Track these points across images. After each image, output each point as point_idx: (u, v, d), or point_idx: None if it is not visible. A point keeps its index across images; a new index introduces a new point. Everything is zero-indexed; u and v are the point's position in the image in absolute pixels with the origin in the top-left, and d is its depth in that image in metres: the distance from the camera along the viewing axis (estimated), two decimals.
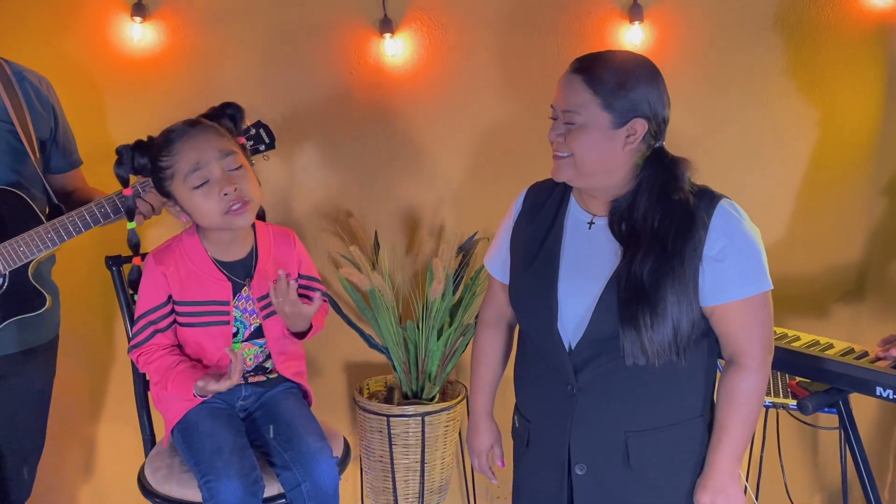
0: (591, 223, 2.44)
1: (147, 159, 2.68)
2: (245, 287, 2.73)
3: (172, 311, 2.75)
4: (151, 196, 2.93)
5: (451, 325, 3.46)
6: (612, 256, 2.36)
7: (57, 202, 3.06)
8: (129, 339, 2.81)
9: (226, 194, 2.57)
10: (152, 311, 2.73)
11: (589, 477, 2.39)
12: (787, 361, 2.75)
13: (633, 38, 3.54)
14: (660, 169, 2.35)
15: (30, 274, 2.91)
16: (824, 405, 2.69)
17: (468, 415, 2.79)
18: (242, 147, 2.75)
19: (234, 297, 2.72)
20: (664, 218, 2.31)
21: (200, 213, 2.63)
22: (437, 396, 3.50)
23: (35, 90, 3.04)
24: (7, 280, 2.85)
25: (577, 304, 2.37)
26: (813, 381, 2.75)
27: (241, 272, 2.74)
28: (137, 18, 3.46)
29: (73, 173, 3.21)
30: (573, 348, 2.37)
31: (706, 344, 2.39)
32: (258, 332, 2.75)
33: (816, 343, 2.78)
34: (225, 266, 2.73)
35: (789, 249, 3.72)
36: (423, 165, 3.77)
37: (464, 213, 3.75)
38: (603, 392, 2.37)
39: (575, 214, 2.47)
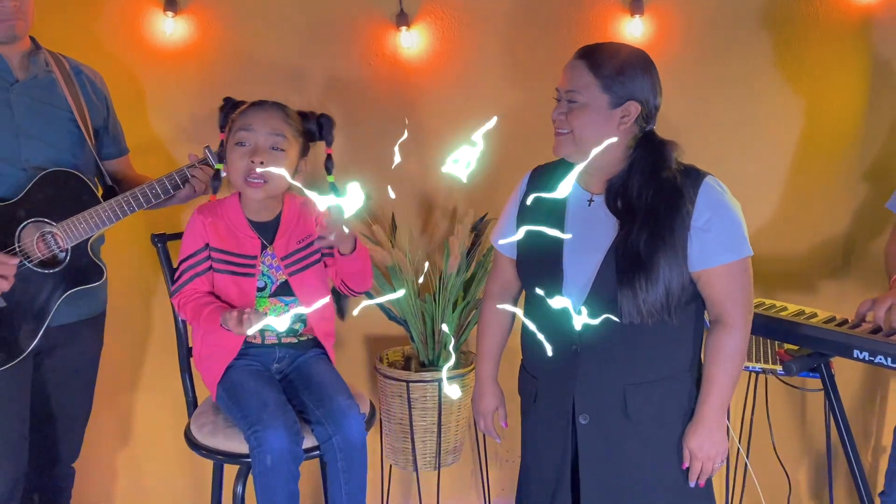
0: (590, 201, 2.67)
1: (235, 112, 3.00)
2: (269, 246, 3.00)
3: (209, 257, 3.00)
4: (202, 173, 3.17)
5: (464, 298, 3.64)
6: (610, 230, 2.60)
7: (111, 184, 3.28)
8: (172, 285, 3.06)
9: (253, 160, 2.88)
10: (192, 255, 3.00)
11: (591, 426, 2.64)
12: (773, 329, 2.96)
13: (633, 30, 3.70)
14: (650, 150, 2.61)
15: (88, 249, 3.10)
16: (806, 368, 2.91)
17: (475, 382, 3.01)
18: (307, 146, 3.06)
19: (261, 254, 2.99)
20: (656, 194, 2.55)
21: (230, 168, 2.96)
22: (453, 366, 3.71)
23: (91, 83, 3.25)
24: (69, 254, 3.04)
25: (580, 272, 2.61)
26: (798, 346, 2.96)
27: (268, 233, 3.03)
28: (170, 13, 3.64)
29: (123, 160, 3.42)
30: (577, 312, 2.57)
31: (694, 307, 2.64)
32: (285, 289, 3.01)
33: (802, 313, 2.99)
34: (255, 226, 3.02)
35: (779, 230, 3.85)
36: (436, 151, 3.84)
37: (474, 196, 3.87)
38: (603, 350, 2.61)
39: (576, 193, 2.70)
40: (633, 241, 2.54)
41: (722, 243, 2.55)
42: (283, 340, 3.04)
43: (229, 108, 3.06)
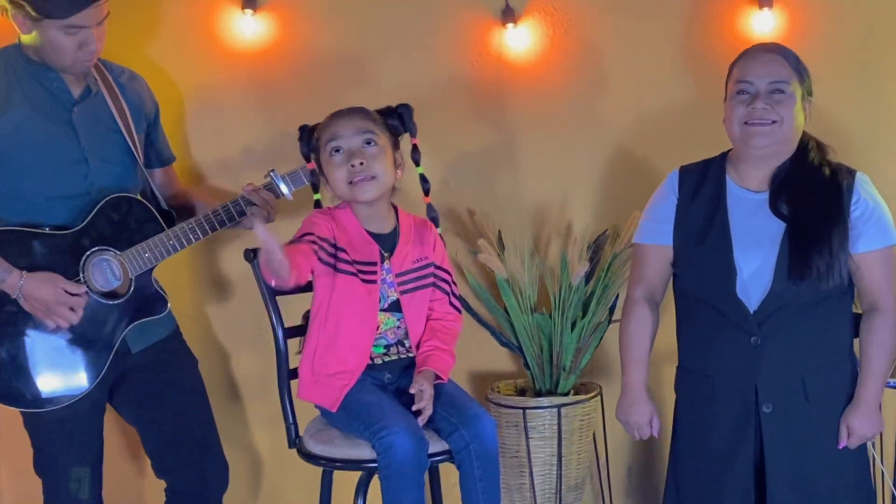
0: (753, 199, 3.05)
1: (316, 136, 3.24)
2: (387, 259, 3.15)
3: (334, 255, 3.13)
4: (261, 199, 3.43)
5: (583, 317, 3.80)
6: (778, 223, 2.98)
7: (167, 207, 3.47)
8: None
9: (353, 165, 3.08)
10: (311, 234, 3.10)
11: (775, 413, 3.00)
12: None
13: (763, 24, 3.83)
14: (809, 146, 3.06)
15: (152, 279, 3.33)
16: None
17: (623, 391, 3.25)
18: (396, 141, 3.26)
19: (380, 262, 3.16)
20: (820, 188, 2.98)
21: (332, 182, 3.16)
22: (572, 392, 3.84)
23: (132, 90, 3.48)
24: (133, 285, 3.25)
25: (753, 269, 3.00)
26: None
27: (385, 245, 3.19)
28: (248, 11, 3.78)
29: (168, 170, 3.65)
30: (756, 308, 2.98)
31: (848, 298, 3.07)
32: (396, 307, 3.17)
33: None
34: (372, 236, 3.18)
35: None
36: (548, 161, 4.00)
37: (593, 210, 4.02)
38: (783, 340, 2.99)
39: (734, 192, 3.08)
40: (811, 220, 2.96)
41: (878, 231, 3.00)
42: (392, 356, 3.23)
43: (307, 134, 3.28)
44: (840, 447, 3.07)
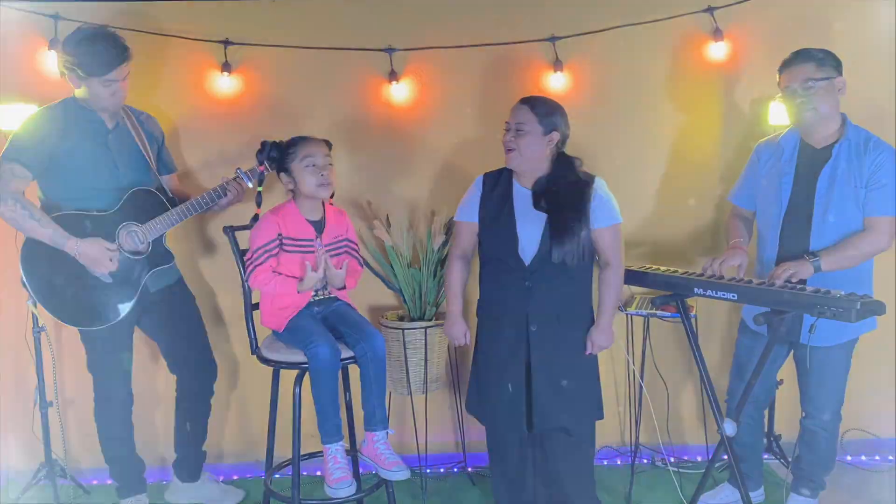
0: (528, 194, 3.83)
1: (277, 152, 3.97)
2: (320, 237, 4.00)
3: (280, 245, 3.87)
4: (237, 187, 4.21)
5: (441, 270, 4.72)
6: (542, 210, 3.77)
7: (171, 196, 4.27)
8: (247, 267, 3.95)
9: (322, 174, 3.88)
10: (268, 244, 3.90)
11: (538, 331, 3.88)
12: (649, 280, 4.16)
13: (556, 83, 4.86)
14: (563, 162, 3.90)
15: (162, 241, 4.18)
16: (666, 302, 4.13)
17: (447, 316, 4.12)
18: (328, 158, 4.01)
19: (316, 238, 3.97)
20: (569, 187, 3.82)
21: (303, 183, 3.90)
22: (434, 318, 4.73)
23: (147, 126, 4.28)
24: (150, 245, 4.12)
25: (528, 238, 3.80)
26: (663, 290, 4.12)
27: (318, 227, 4.01)
28: (225, 73, 4.74)
29: (172, 177, 4.44)
30: (529, 263, 3.79)
31: (589, 261, 3.92)
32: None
33: (668, 270, 4.21)
34: (309, 222, 4.01)
35: (663, 220, 4.93)
36: (418, 170, 4.89)
37: (447, 202, 4.78)
38: (545, 284, 3.80)
39: (517, 189, 3.90)
40: (561, 217, 3.75)
41: (608, 214, 3.88)
42: (319, 297, 4.08)
43: (267, 147, 3.99)
44: (586, 354, 3.90)
